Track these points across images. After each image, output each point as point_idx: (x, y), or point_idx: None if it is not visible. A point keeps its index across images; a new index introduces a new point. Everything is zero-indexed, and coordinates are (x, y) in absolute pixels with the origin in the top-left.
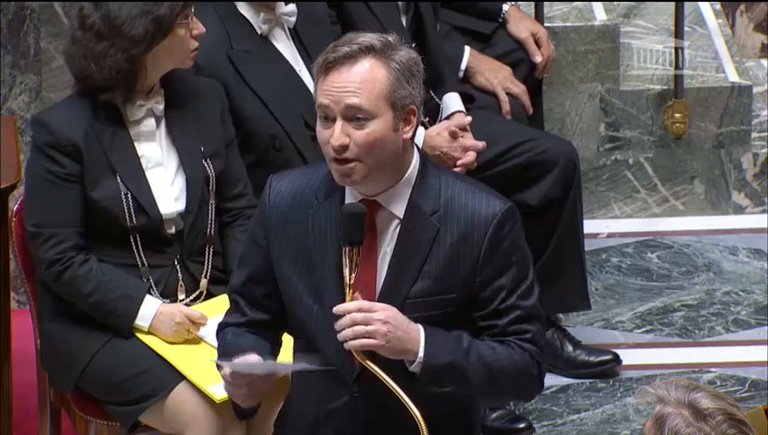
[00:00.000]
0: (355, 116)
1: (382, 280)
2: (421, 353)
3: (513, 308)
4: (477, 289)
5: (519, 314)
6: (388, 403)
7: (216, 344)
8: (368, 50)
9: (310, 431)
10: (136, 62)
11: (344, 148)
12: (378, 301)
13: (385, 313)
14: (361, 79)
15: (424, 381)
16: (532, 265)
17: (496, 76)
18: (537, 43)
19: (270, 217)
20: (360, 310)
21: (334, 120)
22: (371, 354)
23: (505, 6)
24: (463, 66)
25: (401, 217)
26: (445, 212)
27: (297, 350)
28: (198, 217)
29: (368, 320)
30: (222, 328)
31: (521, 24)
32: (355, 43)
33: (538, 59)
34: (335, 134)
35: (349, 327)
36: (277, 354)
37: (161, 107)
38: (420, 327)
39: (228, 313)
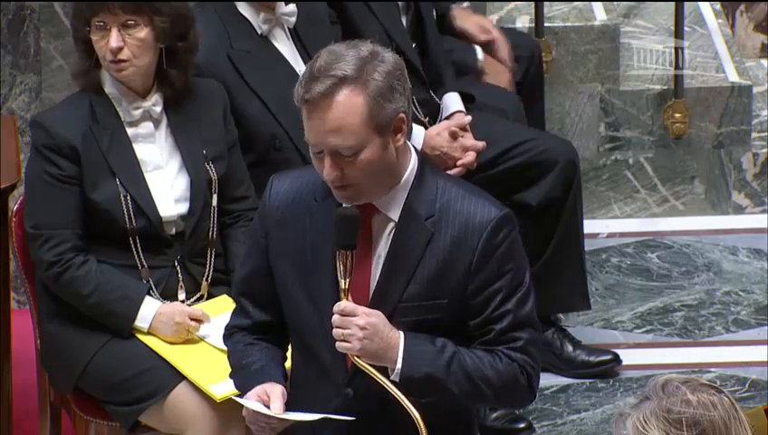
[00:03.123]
0: (342, 152)
1: (375, 283)
2: (399, 364)
3: (506, 315)
4: (470, 295)
5: (511, 321)
6: (382, 405)
7: (217, 344)
8: (342, 81)
9: (305, 433)
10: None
11: (339, 178)
12: (370, 304)
13: (365, 319)
14: (340, 116)
15: (403, 391)
16: (529, 274)
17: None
18: (483, 32)
19: (269, 217)
20: (341, 313)
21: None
22: None
23: (453, 6)
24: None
25: (396, 220)
26: (440, 217)
27: (293, 345)
28: (201, 219)
29: (345, 324)
30: (230, 333)
31: (467, 18)
32: (329, 76)
33: (485, 36)
34: (326, 170)
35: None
36: (285, 359)
37: (158, 109)
38: (401, 336)
39: (234, 313)
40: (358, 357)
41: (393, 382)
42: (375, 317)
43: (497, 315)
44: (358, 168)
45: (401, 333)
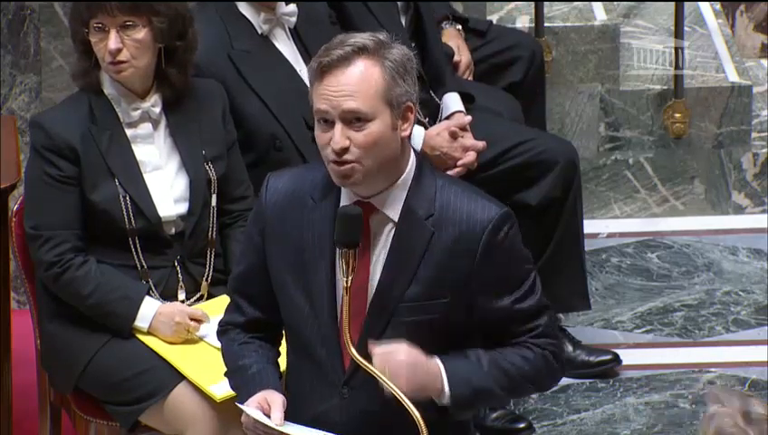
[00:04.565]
0: (354, 118)
1: (375, 283)
2: (447, 389)
3: (520, 311)
4: (475, 293)
5: (526, 313)
6: (378, 405)
7: (216, 344)
8: (361, 50)
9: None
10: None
11: (345, 150)
12: (371, 304)
13: (404, 380)
14: (357, 81)
15: (456, 413)
16: (533, 263)
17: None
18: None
19: (266, 216)
20: (381, 352)
21: (333, 123)
22: (366, 355)
23: (445, 25)
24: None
25: (396, 220)
26: (440, 216)
27: (288, 344)
28: (200, 219)
29: (389, 360)
30: (223, 330)
31: (451, 39)
32: (348, 45)
33: (456, 58)
34: (335, 138)
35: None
36: (278, 354)
37: (157, 109)
38: (439, 362)
39: (228, 310)
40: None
41: (442, 407)
42: (411, 354)
43: (511, 312)
44: (365, 141)
45: (437, 359)
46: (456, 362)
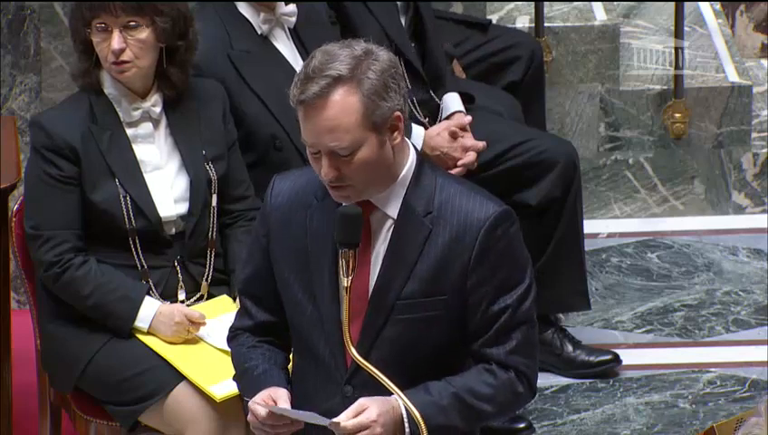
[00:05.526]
0: (339, 152)
1: (374, 280)
2: (407, 429)
3: (503, 313)
4: (469, 291)
5: (507, 319)
6: None
7: (216, 344)
8: (336, 81)
9: (304, 431)
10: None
11: (336, 178)
12: (369, 301)
13: (377, 418)
14: (335, 116)
15: None
16: (531, 269)
17: None
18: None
19: (270, 216)
20: (357, 428)
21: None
22: (367, 353)
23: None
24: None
25: (395, 217)
26: (438, 213)
27: (293, 344)
28: (200, 219)
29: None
30: (233, 335)
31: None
32: (323, 77)
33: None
34: (324, 169)
35: None
36: (288, 360)
37: (158, 109)
38: (400, 403)
39: (238, 314)
40: None
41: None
42: (375, 409)
43: (494, 314)
44: (354, 167)
45: (396, 398)
46: (415, 400)
